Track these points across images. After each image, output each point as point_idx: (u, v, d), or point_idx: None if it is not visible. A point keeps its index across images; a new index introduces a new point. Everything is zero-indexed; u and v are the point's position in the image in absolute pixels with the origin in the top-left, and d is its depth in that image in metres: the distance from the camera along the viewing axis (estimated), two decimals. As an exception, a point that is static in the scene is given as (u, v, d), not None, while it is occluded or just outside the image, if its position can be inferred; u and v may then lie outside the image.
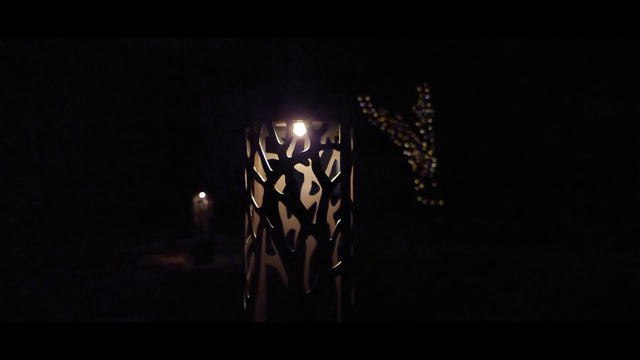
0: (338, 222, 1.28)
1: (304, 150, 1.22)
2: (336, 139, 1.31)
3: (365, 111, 9.07)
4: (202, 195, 5.11)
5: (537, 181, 8.79)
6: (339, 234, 1.28)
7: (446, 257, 5.00)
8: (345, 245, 1.28)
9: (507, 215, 8.11)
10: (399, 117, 8.99)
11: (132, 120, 8.97)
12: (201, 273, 4.37)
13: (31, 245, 5.93)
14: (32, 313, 2.86)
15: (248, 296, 1.33)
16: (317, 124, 1.23)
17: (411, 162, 9.04)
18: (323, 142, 1.24)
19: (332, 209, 1.37)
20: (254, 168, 1.30)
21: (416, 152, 9.01)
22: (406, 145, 9.02)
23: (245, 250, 1.36)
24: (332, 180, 1.25)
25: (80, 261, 4.95)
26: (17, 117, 8.05)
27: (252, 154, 1.30)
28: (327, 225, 1.29)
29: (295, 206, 1.23)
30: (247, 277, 1.36)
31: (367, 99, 9.13)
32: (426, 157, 8.95)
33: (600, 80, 8.35)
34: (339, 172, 1.28)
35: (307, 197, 1.44)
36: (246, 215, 1.34)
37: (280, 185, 1.27)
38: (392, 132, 9.03)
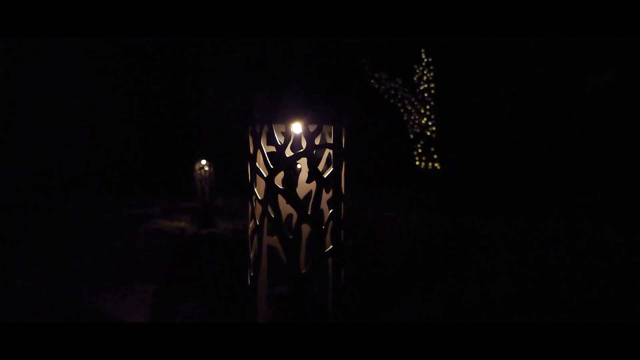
0: (330, 211, 1.46)
1: (300, 150, 1.38)
2: (329, 134, 1.47)
3: (366, 71, 9.08)
4: (203, 162, 5.26)
5: (537, 148, 8.91)
6: (331, 222, 1.45)
7: (441, 228, 5.17)
8: (336, 231, 1.46)
9: (504, 182, 8.27)
10: (399, 81, 9.04)
11: (132, 88, 9.00)
12: (204, 237, 4.60)
13: (32, 211, 6.02)
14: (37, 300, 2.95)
15: (252, 273, 1.52)
16: (312, 126, 1.38)
17: (410, 125, 9.15)
18: (317, 142, 1.39)
19: (326, 197, 1.54)
20: (256, 164, 1.46)
21: (416, 116, 9.10)
22: (406, 109, 9.10)
23: (249, 234, 1.54)
24: (326, 177, 1.42)
25: (84, 225, 5.13)
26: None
27: (255, 151, 1.46)
28: (321, 212, 1.47)
29: (293, 199, 1.40)
30: (251, 256, 1.54)
31: (366, 60, 9.12)
32: (425, 120, 9.06)
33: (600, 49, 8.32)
34: (332, 168, 1.44)
35: (304, 186, 1.61)
36: (249, 204, 1.51)
37: (279, 177, 1.44)
38: (392, 95, 9.09)
